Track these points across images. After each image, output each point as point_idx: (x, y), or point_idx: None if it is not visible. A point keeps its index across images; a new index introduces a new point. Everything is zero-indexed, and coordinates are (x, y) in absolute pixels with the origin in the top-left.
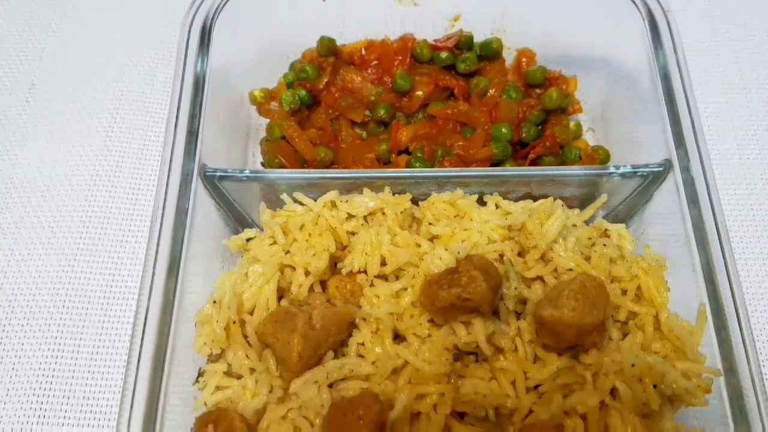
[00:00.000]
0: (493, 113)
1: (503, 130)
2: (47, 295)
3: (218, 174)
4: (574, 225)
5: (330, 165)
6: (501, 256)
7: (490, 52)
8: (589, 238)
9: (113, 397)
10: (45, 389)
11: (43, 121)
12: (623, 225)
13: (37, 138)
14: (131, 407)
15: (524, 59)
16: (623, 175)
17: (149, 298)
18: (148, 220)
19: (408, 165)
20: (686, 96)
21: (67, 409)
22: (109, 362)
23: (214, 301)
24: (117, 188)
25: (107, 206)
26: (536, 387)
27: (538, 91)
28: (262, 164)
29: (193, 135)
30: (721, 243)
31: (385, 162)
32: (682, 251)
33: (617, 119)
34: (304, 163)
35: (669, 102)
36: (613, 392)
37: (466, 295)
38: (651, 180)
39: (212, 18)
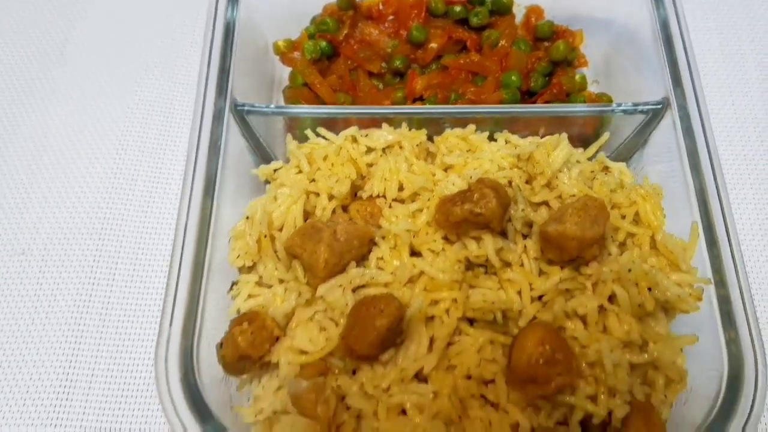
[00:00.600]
0: (503, 63)
1: (513, 77)
2: (84, 228)
3: (246, 108)
4: (578, 161)
5: None
6: (510, 182)
7: (501, 7)
8: (592, 171)
9: (154, 310)
10: (82, 312)
11: (78, 73)
12: (623, 163)
13: (72, 88)
14: (173, 310)
15: (533, 15)
16: (625, 111)
17: (188, 215)
18: (180, 159)
19: None
20: (683, 42)
21: (103, 333)
22: (146, 287)
23: (247, 217)
24: (149, 129)
25: (141, 144)
26: (540, 298)
27: (546, 44)
28: None
29: (224, 73)
30: (713, 168)
31: None
32: (679, 185)
33: (620, 72)
34: None
35: (667, 48)
36: (611, 299)
37: (477, 209)
38: (650, 117)
39: None
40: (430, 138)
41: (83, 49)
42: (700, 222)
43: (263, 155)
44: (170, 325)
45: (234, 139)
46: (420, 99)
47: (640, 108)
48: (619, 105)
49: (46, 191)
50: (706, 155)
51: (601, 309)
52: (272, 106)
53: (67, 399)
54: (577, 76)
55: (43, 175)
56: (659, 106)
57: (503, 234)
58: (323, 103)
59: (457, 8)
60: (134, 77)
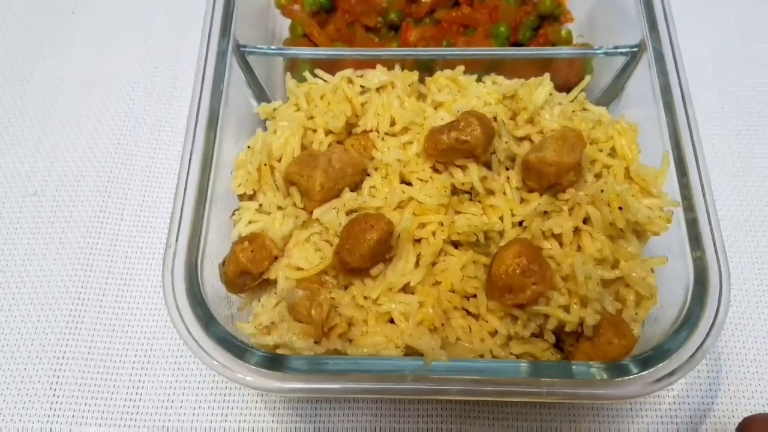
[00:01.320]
0: (493, 15)
1: (501, 28)
2: (93, 169)
3: (248, 49)
4: (560, 103)
5: None
6: (495, 117)
7: None
8: (573, 111)
9: (158, 241)
10: (91, 246)
11: (89, 23)
12: (603, 108)
13: (82, 42)
14: (179, 227)
15: None
16: (606, 53)
17: (192, 144)
18: (186, 100)
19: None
20: None
21: (112, 262)
22: (152, 222)
23: (248, 147)
24: (157, 74)
25: (150, 86)
26: (521, 223)
27: (534, 0)
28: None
29: (228, 16)
30: (684, 103)
31: None
32: (654, 125)
33: (603, 27)
34: None
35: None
36: (586, 221)
37: (463, 137)
38: (628, 60)
39: None
40: (421, 80)
41: (93, 3)
42: (671, 153)
43: (263, 97)
44: (176, 240)
45: (236, 80)
46: None
47: (619, 50)
48: (600, 48)
49: (59, 134)
50: (678, 91)
51: (576, 230)
52: (272, 47)
53: (76, 328)
54: (563, 31)
55: (56, 119)
56: (636, 49)
57: (487, 165)
58: None
59: None
60: (142, 28)
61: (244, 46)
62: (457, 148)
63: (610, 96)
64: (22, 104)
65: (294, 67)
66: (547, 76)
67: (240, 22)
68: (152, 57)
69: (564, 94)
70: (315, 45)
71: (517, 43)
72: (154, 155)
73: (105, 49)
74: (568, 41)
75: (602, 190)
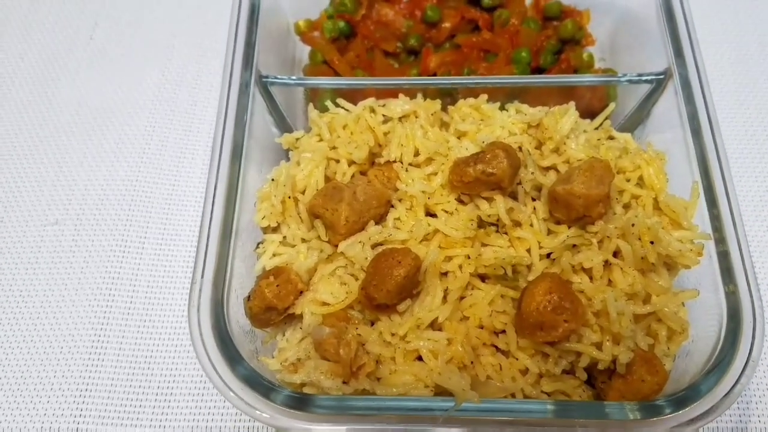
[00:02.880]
0: (514, 41)
1: (523, 54)
2: (114, 198)
3: (270, 79)
4: (585, 131)
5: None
6: (520, 147)
7: None
8: (598, 139)
9: (182, 273)
10: (113, 277)
11: (108, 51)
12: (629, 134)
13: (102, 65)
14: (204, 264)
15: None
16: (630, 81)
17: (217, 176)
18: (206, 130)
19: None
20: (684, 14)
21: (134, 294)
22: (174, 252)
23: (272, 179)
24: (178, 103)
25: (170, 116)
26: (549, 255)
27: (554, 23)
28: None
29: (250, 47)
30: (712, 131)
31: None
32: (681, 151)
33: (625, 49)
34: None
35: (669, 21)
36: (616, 254)
37: (489, 169)
38: (654, 87)
39: None
40: (444, 109)
41: (113, 29)
42: (701, 182)
43: (285, 126)
44: (202, 276)
45: (258, 111)
46: (434, 76)
47: (644, 78)
48: (625, 75)
49: (79, 163)
50: (706, 119)
51: (606, 263)
52: (294, 77)
53: (99, 359)
54: (585, 55)
55: (75, 147)
56: (662, 76)
57: (513, 196)
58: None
59: None
60: (163, 55)
61: (266, 77)
62: (483, 180)
63: (635, 121)
64: (41, 132)
65: (315, 96)
66: (572, 104)
67: (260, 49)
68: (171, 83)
69: (588, 120)
70: (335, 72)
71: (538, 68)
72: (175, 183)
73: (123, 76)
74: (590, 65)
75: (633, 224)
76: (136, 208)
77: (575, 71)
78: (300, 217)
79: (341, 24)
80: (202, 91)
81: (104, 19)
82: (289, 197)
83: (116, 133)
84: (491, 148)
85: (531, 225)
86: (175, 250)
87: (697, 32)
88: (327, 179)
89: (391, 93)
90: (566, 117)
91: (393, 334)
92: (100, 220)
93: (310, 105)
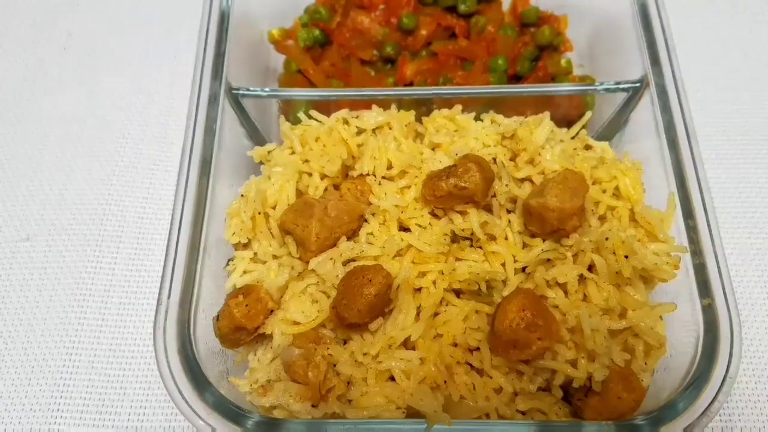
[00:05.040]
0: (491, 48)
1: (499, 61)
2: (86, 213)
3: (241, 91)
4: (561, 140)
5: None
6: (494, 159)
7: None
8: (574, 149)
9: (154, 290)
10: (84, 294)
11: (80, 63)
12: (606, 142)
13: (74, 77)
14: (170, 285)
15: (519, 2)
16: (607, 89)
17: (185, 194)
18: (179, 143)
19: None
20: (661, 22)
21: (105, 310)
22: (146, 267)
23: (242, 195)
24: (150, 115)
25: (142, 129)
26: (524, 269)
27: (532, 30)
28: None
29: (220, 57)
30: (689, 141)
31: None
32: (657, 161)
33: (603, 55)
34: None
35: (646, 29)
36: (591, 269)
37: (462, 183)
38: (630, 95)
39: None
40: (418, 119)
41: (85, 41)
42: (677, 194)
43: (258, 138)
44: (168, 297)
45: (229, 123)
46: (410, 85)
47: (621, 86)
48: (601, 83)
49: (51, 177)
50: (682, 128)
51: (581, 278)
52: (267, 89)
53: (70, 378)
54: (563, 61)
55: (47, 160)
56: (638, 84)
57: (488, 209)
58: (316, 87)
59: None
60: (134, 66)
61: (237, 89)
62: (456, 194)
63: (613, 129)
64: (13, 144)
65: (288, 107)
66: (546, 114)
67: (231, 59)
68: (144, 95)
69: (564, 129)
70: (310, 81)
71: (516, 75)
72: (148, 196)
73: (96, 88)
74: (568, 71)
75: (607, 238)
76: (108, 223)
77: (553, 78)
78: (271, 233)
79: (316, 32)
80: (176, 101)
81: (78, 29)
82: (260, 213)
83: (89, 145)
84: (463, 162)
85: (506, 238)
86: (148, 265)
87: (674, 39)
88: (299, 193)
89: (366, 104)
90: (541, 127)
91: (365, 354)
92: (72, 236)
93: (282, 117)
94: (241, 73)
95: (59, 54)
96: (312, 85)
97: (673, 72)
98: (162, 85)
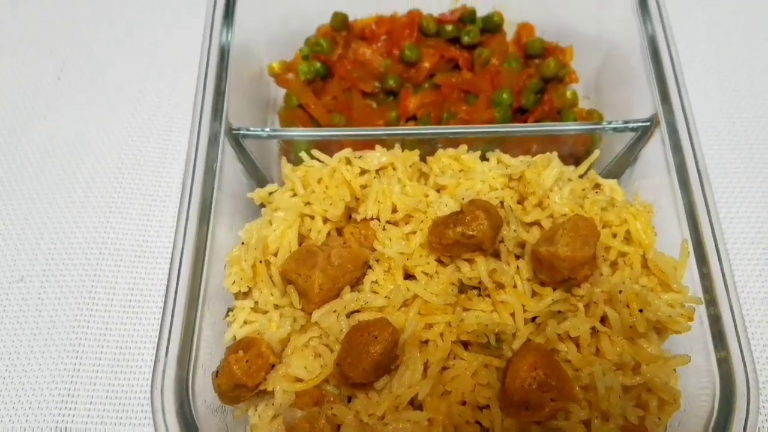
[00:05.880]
0: (495, 81)
1: (504, 95)
2: (82, 253)
3: (242, 132)
4: (570, 179)
5: None
6: (501, 202)
7: (492, 26)
8: (583, 189)
9: (151, 334)
10: (80, 338)
11: (75, 98)
12: (615, 180)
13: (70, 110)
14: (169, 338)
15: (524, 33)
16: (615, 129)
17: (183, 241)
18: (176, 183)
19: None
20: (671, 58)
21: (102, 353)
22: (142, 310)
23: (243, 243)
24: (146, 152)
25: (138, 168)
26: (534, 319)
27: (536, 61)
28: None
29: (220, 96)
30: (702, 184)
31: None
32: (668, 200)
33: (610, 87)
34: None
35: (655, 63)
36: (604, 321)
37: (469, 232)
38: (640, 134)
39: None
40: (422, 158)
41: (81, 73)
42: (690, 239)
43: (259, 177)
44: (166, 354)
45: (230, 163)
46: (413, 118)
47: (629, 125)
48: (609, 123)
49: (45, 215)
50: (695, 171)
51: (594, 331)
52: (267, 129)
53: (65, 426)
54: (568, 93)
55: (40, 202)
56: (648, 123)
57: (496, 255)
58: (318, 123)
59: (449, 27)
60: (131, 103)
61: (238, 129)
62: (464, 242)
63: (622, 165)
64: (6, 179)
65: (290, 146)
66: (554, 155)
67: (232, 94)
68: (141, 126)
69: (572, 167)
70: (311, 116)
71: (521, 109)
72: (144, 234)
73: (91, 119)
74: (573, 103)
75: (620, 291)
76: (104, 260)
77: (558, 112)
78: (272, 281)
79: (317, 65)
80: (173, 133)
81: (73, 59)
82: (260, 261)
83: (84, 180)
84: (471, 209)
85: (514, 286)
86: (146, 306)
87: (684, 74)
88: (301, 237)
89: (369, 144)
90: (549, 169)
91: (370, 415)
92: (67, 277)
93: (283, 159)
94: (241, 107)
95: (53, 83)
96: (313, 119)
97: (684, 110)
98: (159, 116)
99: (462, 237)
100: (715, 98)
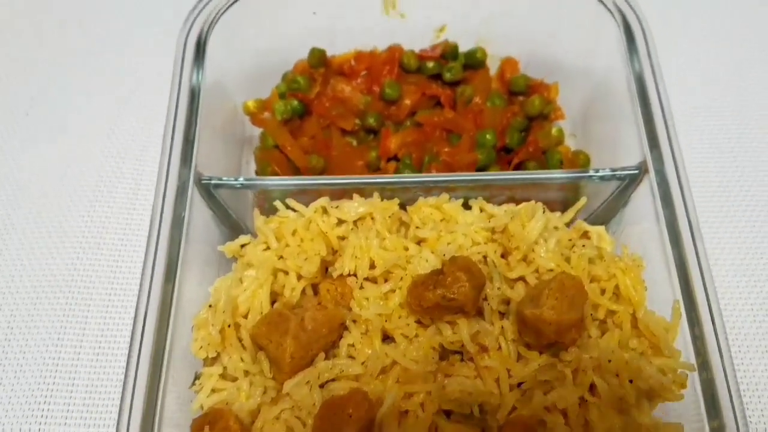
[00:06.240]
0: (478, 120)
1: (487, 136)
2: (49, 300)
3: (213, 182)
4: (556, 227)
5: (321, 172)
6: (485, 257)
7: (475, 62)
8: (570, 240)
9: (113, 401)
10: (46, 395)
11: (44, 131)
12: (603, 227)
13: (38, 147)
14: (130, 408)
15: (507, 68)
16: (602, 178)
17: (147, 302)
18: (146, 226)
19: (396, 172)
20: (660, 100)
21: (69, 412)
22: (108, 367)
23: (210, 306)
24: (116, 195)
25: (107, 212)
26: (519, 384)
27: (521, 98)
28: (256, 172)
29: (189, 143)
30: (694, 241)
31: (375, 169)
32: (659, 250)
33: (597, 124)
34: (296, 171)
35: (643, 105)
36: (592, 388)
37: (450, 295)
38: (628, 182)
39: (207, 31)
40: (403, 206)
41: (48, 113)
42: (681, 299)
43: (232, 224)
44: (128, 427)
45: (200, 213)
46: (394, 158)
47: (617, 174)
48: (596, 171)
49: (16, 249)
50: (686, 226)
51: (582, 401)
52: (241, 179)
53: None
54: (554, 130)
55: (11, 232)
56: (636, 172)
57: (479, 312)
58: (294, 165)
59: (430, 64)
60: (98, 148)
61: (209, 179)
62: (445, 305)
63: (610, 211)
64: None
65: (264, 194)
66: (539, 206)
67: (203, 135)
68: (112, 166)
69: (558, 213)
70: (287, 158)
71: (504, 148)
72: (114, 276)
73: (61, 158)
74: (559, 141)
75: (610, 360)
76: (74, 301)
77: (544, 152)
78: (242, 345)
79: (294, 103)
80: (145, 171)
81: (41, 97)
82: (229, 326)
83: (55, 218)
84: (451, 269)
85: (499, 348)
86: (113, 360)
87: (675, 116)
88: (274, 294)
89: (347, 193)
90: (534, 221)
91: None
92: (36, 317)
93: (256, 211)
94: (214, 149)
95: (21, 118)
96: (290, 160)
97: (674, 157)
98: (130, 155)
99: (443, 300)
100: (705, 140)
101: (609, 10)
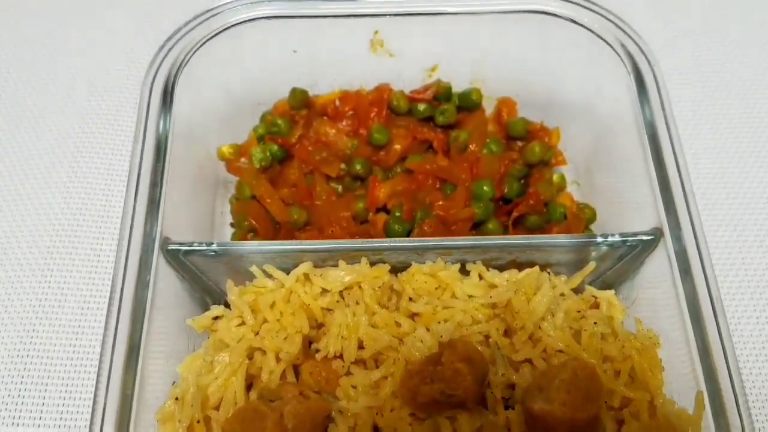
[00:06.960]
0: (474, 168)
1: (485, 188)
2: (5, 368)
3: (183, 249)
4: (562, 294)
5: (304, 225)
6: (486, 337)
7: (470, 104)
8: (578, 311)
9: None
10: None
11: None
12: (612, 292)
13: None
14: None
15: (505, 109)
16: (611, 245)
17: (106, 395)
18: (106, 294)
19: (386, 225)
20: (675, 158)
21: None
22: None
23: (177, 398)
24: (76, 255)
25: (67, 274)
26: None
27: (519, 143)
28: (232, 225)
29: (154, 205)
30: (717, 322)
31: (362, 221)
32: (675, 320)
33: (602, 173)
34: (276, 225)
35: (657, 163)
36: None
37: (450, 390)
38: (640, 249)
39: (175, 74)
40: (394, 269)
41: (6, 152)
42: (705, 389)
43: (205, 289)
44: None
45: (167, 283)
46: (383, 209)
47: (629, 241)
48: (605, 237)
49: None
50: (708, 304)
51: None
52: (214, 245)
53: None
54: (555, 176)
55: None
56: (651, 238)
57: (481, 400)
58: (274, 219)
59: (422, 107)
60: (54, 213)
61: (177, 245)
62: (443, 401)
63: (619, 275)
64: None
65: (240, 260)
66: (545, 276)
67: (170, 190)
68: (73, 210)
69: (563, 277)
70: (266, 210)
71: (503, 198)
72: (75, 346)
73: (20, 201)
74: (561, 188)
75: None
76: (32, 373)
77: (545, 204)
78: None
79: (273, 148)
80: (106, 237)
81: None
82: (198, 421)
83: (8, 278)
84: (451, 359)
85: None
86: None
87: (690, 175)
88: (250, 377)
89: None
90: (539, 295)
91: None
92: None
93: (230, 282)
94: (184, 203)
95: None
96: (268, 213)
97: (692, 225)
98: (92, 208)
99: (441, 395)
100: (722, 197)
101: (617, 52)
